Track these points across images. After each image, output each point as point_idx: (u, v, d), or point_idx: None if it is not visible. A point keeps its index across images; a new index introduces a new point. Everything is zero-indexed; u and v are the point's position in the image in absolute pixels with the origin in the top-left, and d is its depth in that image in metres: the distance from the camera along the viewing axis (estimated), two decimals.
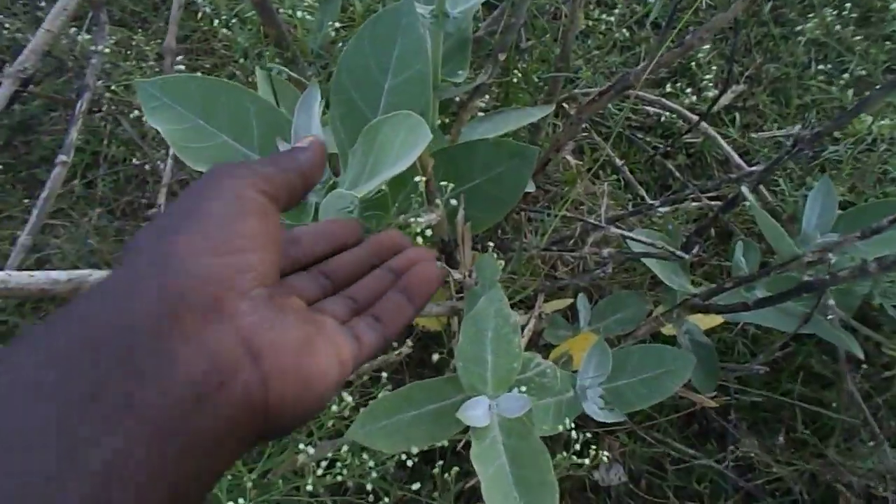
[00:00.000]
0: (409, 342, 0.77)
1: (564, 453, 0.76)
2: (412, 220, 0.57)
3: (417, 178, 0.59)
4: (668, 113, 1.43)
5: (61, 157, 0.88)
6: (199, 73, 1.10)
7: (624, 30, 1.48)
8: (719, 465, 1.07)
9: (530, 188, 0.82)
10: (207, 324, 0.27)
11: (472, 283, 0.65)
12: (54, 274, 0.57)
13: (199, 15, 1.02)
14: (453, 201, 0.64)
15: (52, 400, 0.22)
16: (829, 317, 0.76)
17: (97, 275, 0.57)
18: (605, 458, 0.76)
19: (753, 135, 1.19)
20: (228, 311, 0.28)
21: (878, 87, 0.74)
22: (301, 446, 0.65)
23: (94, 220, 1.35)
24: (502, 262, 0.75)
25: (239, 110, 0.60)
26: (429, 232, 0.58)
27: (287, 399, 0.29)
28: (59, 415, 0.22)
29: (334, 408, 0.67)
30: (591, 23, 1.43)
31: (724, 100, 1.47)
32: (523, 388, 0.63)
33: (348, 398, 0.68)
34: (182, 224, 0.29)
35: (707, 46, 1.29)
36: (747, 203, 0.84)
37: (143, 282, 0.27)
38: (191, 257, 0.28)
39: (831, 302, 0.76)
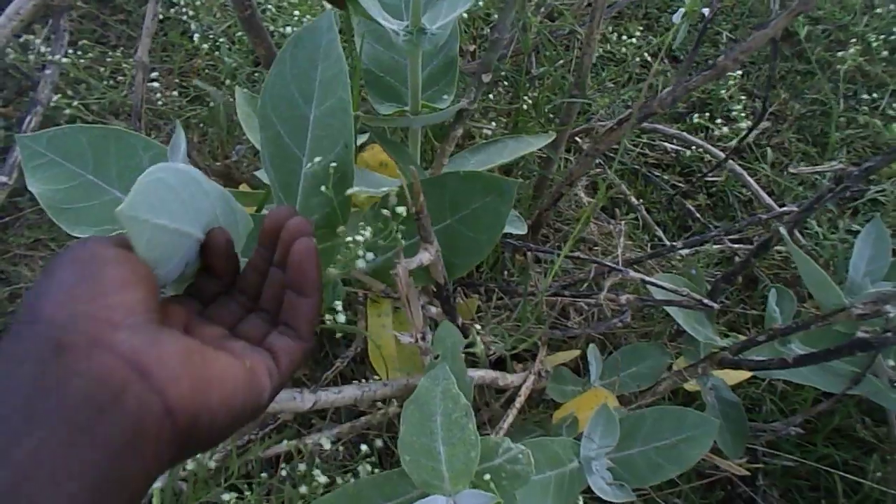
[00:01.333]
0: (394, 402, 0.67)
1: None
2: (353, 241, 0.48)
3: (400, 210, 0.50)
4: (687, 150, 1.35)
5: (1, 179, 0.80)
6: (175, 93, 1.02)
7: (638, 59, 1.41)
8: None
9: (520, 230, 0.72)
10: (90, 356, 0.29)
11: (428, 350, 0.55)
12: None
13: (183, 32, 0.95)
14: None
15: None
16: (883, 376, 0.66)
17: None
18: None
19: (793, 170, 1.09)
20: (107, 343, 0.29)
21: None
22: None
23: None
24: (507, 308, 0.65)
25: (131, 159, 0.55)
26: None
27: (190, 400, 0.31)
28: None
29: (303, 488, 0.57)
30: (604, 51, 1.36)
31: (749, 138, 1.39)
32: (488, 479, 0.53)
33: (321, 478, 0.57)
34: (45, 289, 0.31)
35: (737, 74, 1.20)
36: (782, 247, 0.75)
37: (24, 343, 0.29)
38: (61, 311, 0.30)
39: (890, 362, 0.66)
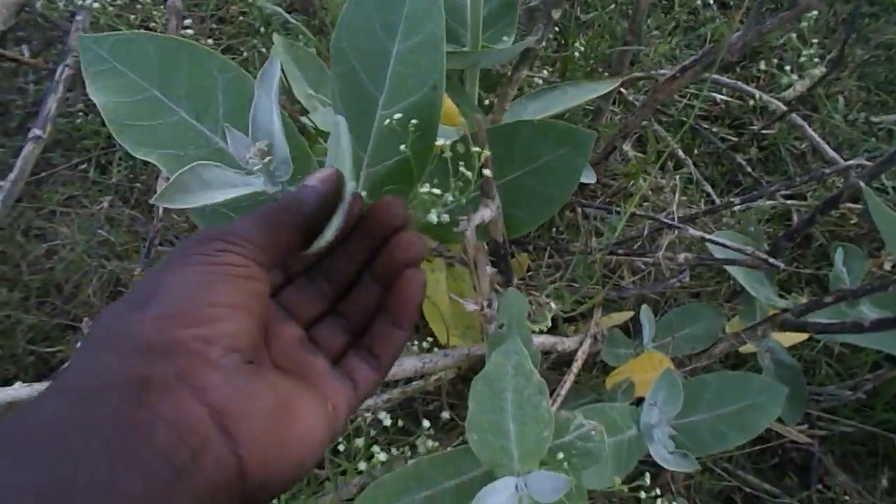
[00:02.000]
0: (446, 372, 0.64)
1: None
2: (459, 217, 0.44)
3: (473, 150, 0.45)
4: (737, 101, 1.28)
5: (35, 132, 0.77)
6: (209, 41, 0.98)
7: (685, 5, 1.33)
8: None
9: (590, 178, 0.68)
10: (176, 400, 0.26)
11: (493, 317, 0.52)
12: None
13: None
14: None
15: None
16: None
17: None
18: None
19: (875, 118, 1.02)
20: (197, 385, 0.27)
21: None
22: None
23: (105, 209, 1.25)
24: (557, 267, 0.62)
25: (204, 81, 0.48)
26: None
27: (267, 465, 0.28)
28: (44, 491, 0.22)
29: (362, 464, 0.54)
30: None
31: (802, 86, 1.31)
32: (561, 458, 0.49)
33: (381, 455, 0.54)
34: (147, 300, 0.28)
35: (811, 15, 1.12)
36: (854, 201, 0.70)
37: (107, 368, 0.27)
38: (155, 333, 0.27)
39: None
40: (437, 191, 0.48)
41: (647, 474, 0.62)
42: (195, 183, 0.41)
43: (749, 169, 1.23)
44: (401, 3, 0.47)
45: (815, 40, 1.14)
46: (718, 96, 1.34)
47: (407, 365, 0.52)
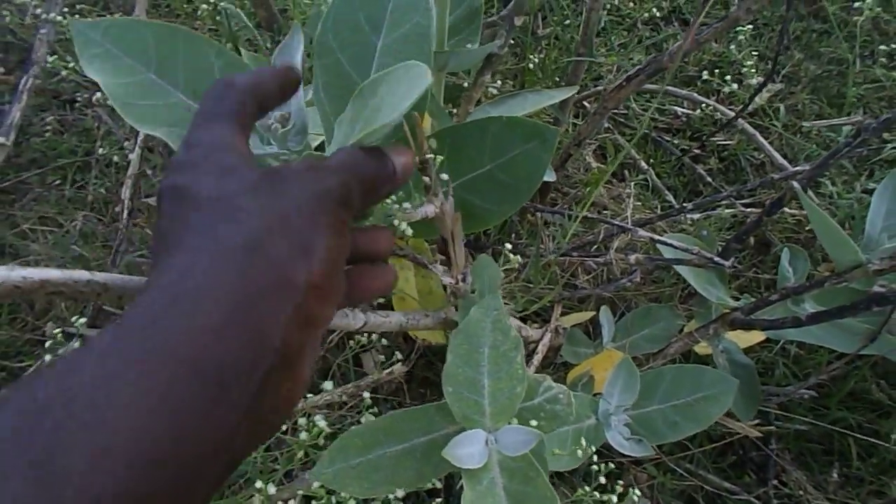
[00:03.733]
0: (400, 363, 0.66)
1: (585, 488, 0.64)
2: (397, 209, 0.46)
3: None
4: (697, 112, 1.32)
5: None
6: None
7: (647, 22, 1.38)
8: (760, 501, 0.94)
9: (550, 177, 0.71)
10: (304, 363, 0.29)
11: (467, 290, 0.54)
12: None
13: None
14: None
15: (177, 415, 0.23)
16: None
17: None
18: (635, 498, 0.64)
19: (806, 124, 1.07)
20: (302, 362, 0.29)
21: None
22: (258, 485, 0.53)
23: (80, 225, 1.26)
24: (514, 268, 0.64)
25: (201, 65, 0.49)
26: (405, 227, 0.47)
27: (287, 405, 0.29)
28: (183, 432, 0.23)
29: (304, 435, 0.56)
30: (613, 14, 1.33)
31: (760, 99, 1.36)
32: (532, 421, 0.52)
33: (322, 423, 0.56)
34: (312, 250, 0.28)
35: (747, 28, 1.17)
36: (787, 207, 0.73)
37: (274, 306, 0.27)
38: (310, 297, 0.28)
39: None
40: (407, 205, 0.50)
41: (601, 470, 0.65)
42: None
43: (709, 179, 1.27)
44: None
45: (755, 52, 1.18)
46: (679, 109, 1.38)
47: (394, 318, 0.54)
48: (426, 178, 0.48)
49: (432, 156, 0.46)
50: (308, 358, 0.29)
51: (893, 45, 1.25)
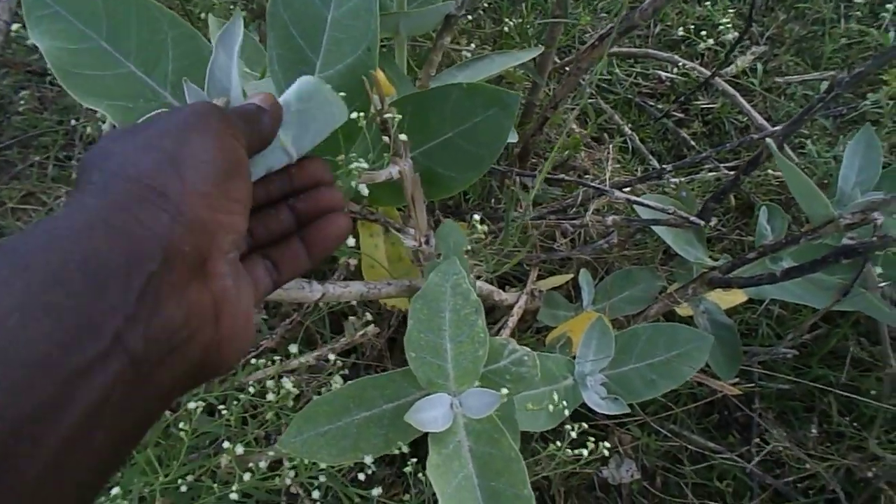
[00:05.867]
0: (372, 324, 0.66)
1: (558, 444, 0.65)
2: (355, 167, 0.46)
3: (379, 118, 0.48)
4: (680, 76, 1.32)
5: None
6: None
7: None
8: (743, 459, 0.95)
9: (513, 138, 0.70)
10: (193, 279, 0.27)
11: (432, 253, 0.54)
12: None
13: None
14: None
15: (54, 319, 0.22)
16: (874, 288, 0.65)
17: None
18: (605, 451, 0.65)
19: (779, 79, 1.06)
20: (211, 271, 0.28)
21: None
22: (225, 445, 0.54)
23: (64, 201, 1.26)
24: (495, 234, 0.64)
25: (154, 35, 0.48)
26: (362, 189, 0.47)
27: (227, 360, 0.30)
28: (61, 336, 0.22)
29: (271, 396, 0.57)
30: None
31: (743, 62, 1.35)
32: (497, 384, 0.52)
33: (288, 385, 0.56)
34: (179, 160, 0.28)
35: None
36: (770, 169, 0.73)
37: (144, 214, 0.26)
38: (188, 204, 0.27)
39: (878, 270, 0.65)
40: (363, 164, 0.50)
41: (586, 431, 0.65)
42: None
43: (692, 142, 1.26)
44: None
45: (731, 11, 1.18)
46: (663, 74, 1.38)
47: (354, 288, 0.54)
48: (386, 139, 0.47)
49: (391, 116, 0.46)
50: (220, 266, 0.29)
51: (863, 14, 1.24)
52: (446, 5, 0.61)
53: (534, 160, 1.01)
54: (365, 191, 0.47)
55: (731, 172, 1.16)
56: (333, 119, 0.39)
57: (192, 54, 0.49)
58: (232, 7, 0.88)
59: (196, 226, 0.27)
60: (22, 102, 1.34)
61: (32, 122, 1.34)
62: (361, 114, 0.49)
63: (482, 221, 0.64)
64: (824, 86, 0.91)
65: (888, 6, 1.13)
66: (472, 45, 0.76)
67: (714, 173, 1.19)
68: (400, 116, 0.50)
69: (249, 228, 0.35)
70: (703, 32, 1.30)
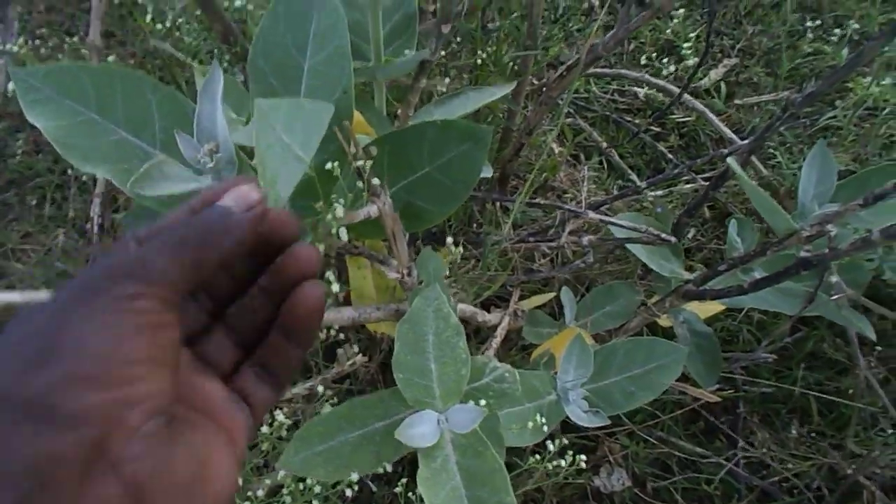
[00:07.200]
0: (360, 354, 0.70)
1: (537, 456, 0.68)
2: (335, 211, 0.50)
3: (357, 164, 0.51)
4: (655, 91, 1.36)
5: None
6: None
7: (607, 11, 1.41)
8: (730, 463, 0.99)
9: (486, 173, 0.74)
10: (88, 480, 0.23)
11: (414, 282, 0.58)
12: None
13: (144, 15, 0.96)
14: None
15: None
16: (835, 296, 0.68)
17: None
18: (583, 463, 0.68)
19: (739, 101, 1.11)
20: (113, 458, 0.23)
21: (874, 36, 0.66)
22: None
23: (62, 242, 1.29)
24: (477, 259, 0.68)
25: (138, 101, 0.53)
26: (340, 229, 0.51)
27: None
28: None
29: (265, 429, 0.60)
30: (572, 2, 1.36)
31: (716, 75, 1.40)
32: (480, 400, 0.56)
33: (280, 417, 0.60)
34: (46, 354, 0.23)
35: (680, 10, 1.21)
36: (751, 178, 0.77)
37: (7, 439, 0.22)
38: (63, 398, 0.23)
39: (835, 279, 0.69)
40: (339, 212, 0.53)
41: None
42: (158, 176, 0.47)
43: (670, 155, 1.30)
44: (308, 22, 0.53)
45: (692, 35, 1.22)
46: (639, 90, 1.42)
47: (345, 313, 0.58)
48: (360, 184, 0.51)
49: (363, 162, 0.50)
50: (130, 447, 0.24)
51: (823, 26, 1.29)
52: (420, 54, 0.65)
53: (514, 182, 1.04)
54: (344, 235, 0.51)
55: (707, 183, 1.20)
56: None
57: (176, 113, 0.53)
58: (215, 51, 0.92)
59: (77, 420, 0.23)
60: (18, 146, 1.38)
61: (28, 165, 1.38)
62: (336, 163, 0.53)
63: (457, 244, 0.67)
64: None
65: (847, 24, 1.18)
66: (448, 80, 0.80)
67: (691, 185, 1.23)
68: (371, 161, 0.54)
69: (235, 329, 0.32)
70: (671, 56, 1.35)
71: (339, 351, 0.70)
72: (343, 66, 0.52)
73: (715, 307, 0.97)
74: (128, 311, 0.25)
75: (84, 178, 1.34)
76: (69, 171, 1.37)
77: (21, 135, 1.41)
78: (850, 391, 0.99)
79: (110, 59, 0.98)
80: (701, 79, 1.36)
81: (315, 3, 0.52)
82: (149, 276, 0.26)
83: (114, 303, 0.25)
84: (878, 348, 0.96)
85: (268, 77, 0.54)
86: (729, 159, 0.71)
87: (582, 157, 1.19)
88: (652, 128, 1.36)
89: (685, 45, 1.20)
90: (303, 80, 0.53)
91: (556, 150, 1.17)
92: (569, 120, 1.29)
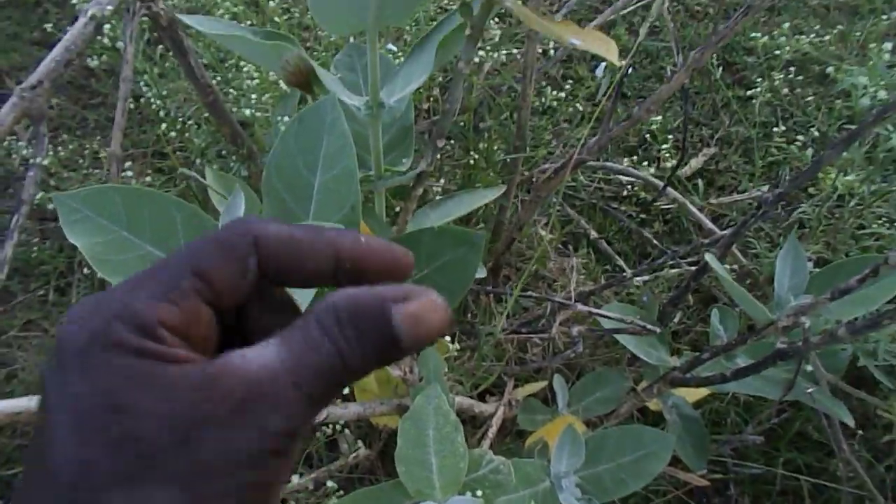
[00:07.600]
0: (362, 448, 0.73)
1: None
2: None
3: None
4: (639, 183, 1.43)
5: None
6: (148, 179, 1.11)
7: (586, 104, 1.50)
8: None
9: (480, 273, 0.79)
10: None
11: (416, 379, 0.62)
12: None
13: (159, 120, 1.02)
14: None
15: None
16: (808, 389, 0.72)
17: None
18: None
19: (714, 200, 1.18)
20: None
21: (832, 144, 0.73)
22: None
23: None
24: (473, 349, 0.71)
25: (164, 219, 0.58)
26: None
27: None
28: None
29: None
30: (555, 102, 1.44)
31: (697, 163, 1.47)
32: (477, 491, 0.59)
33: None
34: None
35: (658, 118, 1.30)
36: (727, 264, 0.82)
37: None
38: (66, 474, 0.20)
39: (810, 368, 0.72)
40: None
41: None
42: None
43: (655, 241, 1.36)
44: (319, 144, 0.59)
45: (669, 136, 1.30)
46: (625, 178, 1.49)
47: (352, 409, 0.62)
48: None
49: None
50: None
51: (790, 125, 1.37)
52: (418, 169, 0.71)
53: (506, 272, 1.09)
54: None
55: (693, 267, 1.25)
56: None
57: (198, 228, 0.58)
58: (223, 154, 0.98)
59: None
60: (26, 236, 1.42)
61: (34, 254, 1.42)
62: None
63: (453, 340, 0.71)
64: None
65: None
66: (442, 181, 0.85)
67: (676, 269, 1.28)
68: None
69: None
70: (652, 146, 1.42)
71: (344, 446, 0.73)
72: (350, 185, 0.57)
73: (702, 391, 1.00)
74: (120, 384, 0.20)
75: (86, 269, 1.38)
76: (75, 258, 1.41)
77: (27, 223, 1.46)
78: (838, 472, 1.01)
79: (127, 164, 1.04)
80: (683, 166, 1.44)
81: (325, 128, 0.58)
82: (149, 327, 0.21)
83: (100, 368, 0.21)
84: (860, 431, 0.99)
85: (280, 193, 0.59)
86: (707, 256, 0.76)
87: (577, 245, 1.24)
88: (637, 216, 1.42)
89: (663, 147, 1.27)
90: (313, 196, 0.58)
91: (547, 239, 1.22)
92: (557, 209, 1.35)
